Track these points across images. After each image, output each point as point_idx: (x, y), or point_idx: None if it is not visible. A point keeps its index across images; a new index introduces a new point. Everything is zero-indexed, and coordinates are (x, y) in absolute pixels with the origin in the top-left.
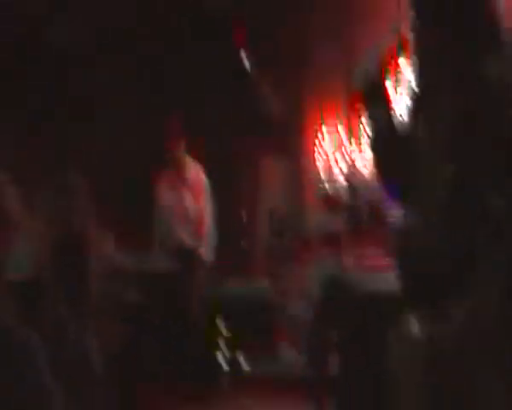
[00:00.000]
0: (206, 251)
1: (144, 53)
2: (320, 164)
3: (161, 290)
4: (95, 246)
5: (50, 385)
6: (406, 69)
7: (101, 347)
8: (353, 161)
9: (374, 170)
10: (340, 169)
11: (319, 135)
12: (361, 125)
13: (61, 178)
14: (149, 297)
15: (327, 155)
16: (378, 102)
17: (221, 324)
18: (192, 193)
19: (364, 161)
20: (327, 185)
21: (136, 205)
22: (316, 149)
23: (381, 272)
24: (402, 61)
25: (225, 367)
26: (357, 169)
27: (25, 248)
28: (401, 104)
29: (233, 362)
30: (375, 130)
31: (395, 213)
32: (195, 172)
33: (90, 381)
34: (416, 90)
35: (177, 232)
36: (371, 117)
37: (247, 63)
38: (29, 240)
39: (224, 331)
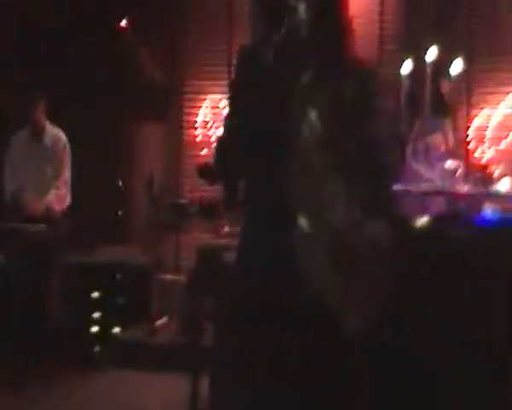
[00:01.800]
0: (61, 214)
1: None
2: (198, 132)
3: (25, 251)
4: None
5: None
6: None
7: None
8: None
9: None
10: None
11: (199, 103)
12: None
13: None
14: (13, 259)
15: (205, 124)
16: None
17: (92, 292)
18: (49, 157)
19: None
20: (203, 153)
21: None
22: (195, 117)
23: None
24: None
25: (98, 339)
26: None
27: None
28: None
29: (106, 333)
30: None
31: None
32: (55, 136)
33: None
34: None
35: (26, 193)
36: None
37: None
38: None
39: (96, 300)
